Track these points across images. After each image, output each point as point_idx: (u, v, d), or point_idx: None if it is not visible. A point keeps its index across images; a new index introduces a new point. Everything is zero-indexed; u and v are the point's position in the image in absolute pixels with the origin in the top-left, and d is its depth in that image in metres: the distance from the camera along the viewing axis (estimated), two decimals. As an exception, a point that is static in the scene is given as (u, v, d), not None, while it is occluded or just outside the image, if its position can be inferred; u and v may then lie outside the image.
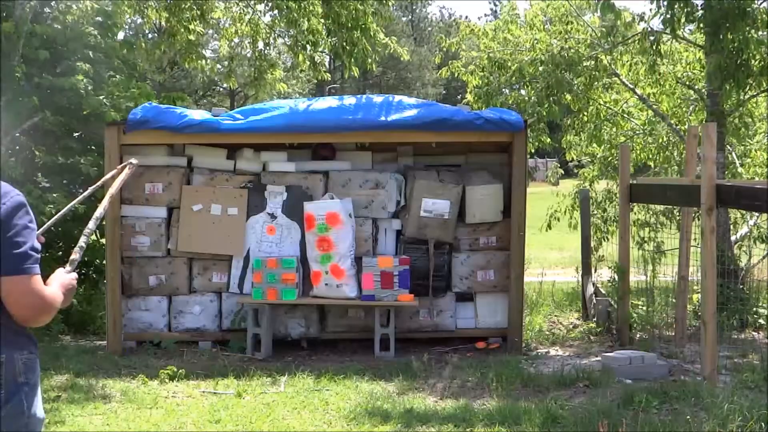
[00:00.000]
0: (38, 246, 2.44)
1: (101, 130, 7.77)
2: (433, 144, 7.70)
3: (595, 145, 11.16)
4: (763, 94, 9.41)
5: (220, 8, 11.61)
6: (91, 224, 2.91)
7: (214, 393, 6.03)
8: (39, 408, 2.52)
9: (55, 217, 3.24)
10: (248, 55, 12.88)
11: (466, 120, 7.39)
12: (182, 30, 10.95)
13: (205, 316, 7.65)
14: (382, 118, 7.37)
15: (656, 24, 8.84)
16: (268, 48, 11.82)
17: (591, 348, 7.73)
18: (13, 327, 2.44)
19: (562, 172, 18.18)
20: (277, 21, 11.26)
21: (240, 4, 11.37)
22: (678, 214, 9.28)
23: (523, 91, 10.35)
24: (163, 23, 10.95)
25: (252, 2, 11.38)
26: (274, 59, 13.12)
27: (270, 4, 10.93)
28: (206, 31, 15.66)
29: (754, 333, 8.28)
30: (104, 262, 7.75)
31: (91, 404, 5.69)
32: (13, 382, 2.43)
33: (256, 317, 7.40)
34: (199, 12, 10.94)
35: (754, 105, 10.29)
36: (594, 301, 8.64)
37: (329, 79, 14.95)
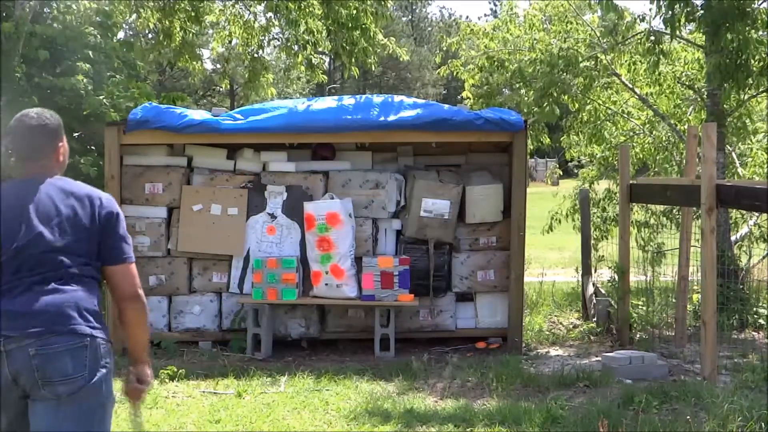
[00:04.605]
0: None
1: (101, 130, 7.77)
2: (433, 144, 7.70)
3: (594, 145, 11.16)
4: (763, 94, 9.41)
5: (215, 11, 11.56)
6: None
7: (214, 393, 6.03)
8: (113, 390, 2.79)
9: None
10: (241, 55, 12.84)
11: (466, 120, 7.39)
12: (176, 31, 10.93)
13: (205, 316, 7.65)
14: (382, 118, 7.37)
15: (657, 24, 8.84)
16: (261, 50, 11.78)
17: (591, 348, 7.73)
18: (96, 316, 2.77)
19: (561, 172, 18.18)
20: (272, 23, 11.22)
21: (237, 5, 11.34)
22: (678, 214, 9.28)
23: (522, 91, 10.33)
24: (156, 24, 10.90)
25: (249, 3, 11.34)
26: (267, 62, 13.08)
27: (267, 5, 10.89)
28: (206, 31, 15.63)
29: (754, 333, 8.28)
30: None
31: (91, 404, 5.68)
32: (98, 363, 2.74)
33: (256, 317, 7.40)
34: (193, 13, 10.91)
35: (756, 103, 10.27)
36: (594, 301, 8.63)
37: (326, 80, 14.92)
